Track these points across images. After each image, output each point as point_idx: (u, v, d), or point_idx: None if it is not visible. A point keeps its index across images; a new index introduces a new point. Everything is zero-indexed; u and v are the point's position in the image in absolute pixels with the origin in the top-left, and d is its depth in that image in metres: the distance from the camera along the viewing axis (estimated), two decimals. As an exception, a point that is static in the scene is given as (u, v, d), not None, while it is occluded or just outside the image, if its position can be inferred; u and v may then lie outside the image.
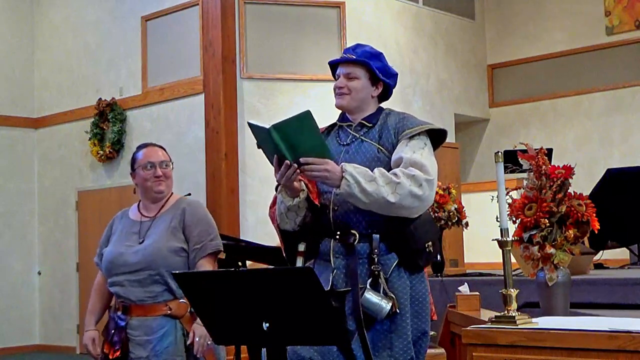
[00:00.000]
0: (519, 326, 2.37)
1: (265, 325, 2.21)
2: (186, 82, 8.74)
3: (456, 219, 5.14)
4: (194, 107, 8.59)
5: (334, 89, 2.93)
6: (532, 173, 2.91)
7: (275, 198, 2.92)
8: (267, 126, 2.58)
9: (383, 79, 2.93)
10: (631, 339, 2.15)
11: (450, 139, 9.92)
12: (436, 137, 2.87)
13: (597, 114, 10.11)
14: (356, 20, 9.04)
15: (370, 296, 2.69)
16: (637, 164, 8.41)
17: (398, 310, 2.73)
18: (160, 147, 3.49)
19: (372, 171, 2.70)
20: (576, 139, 10.20)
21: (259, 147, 2.72)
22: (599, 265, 5.62)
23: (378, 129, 2.87)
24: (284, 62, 8.42)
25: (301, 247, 2.86)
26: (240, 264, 3.78)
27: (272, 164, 2.75)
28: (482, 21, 11.09)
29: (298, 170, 2.66)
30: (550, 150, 4.16)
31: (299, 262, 2.84)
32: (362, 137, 2.87)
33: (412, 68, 9.80)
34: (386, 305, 2.69)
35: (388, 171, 2.72)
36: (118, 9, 9.64)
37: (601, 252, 5.57)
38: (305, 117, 2.57)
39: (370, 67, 2.89)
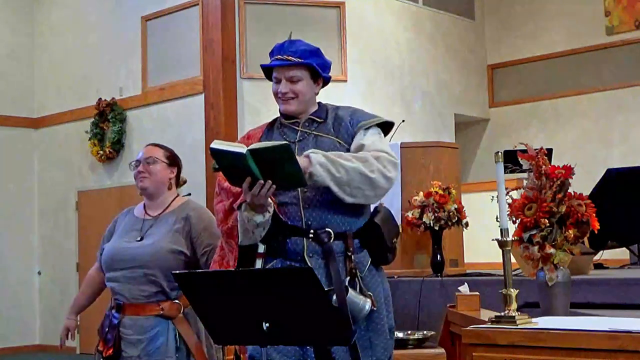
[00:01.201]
0: (519, 326, 2.37)
1: (265, 325, 2.21)
2: (186, 82, 8.74)
3: (456, 219, 5.14)
4: (194, 107, 8.59)
5: (276, 94, 2.87)
6: (532, 173, 2.91)
7: (224, 213, 2.84)
8: (242, 151, 2.51)
9: (324, 75, 2.88)
10: (631, 339, 2.15)
11: (450, 138, 9.94)
12: (385, 129, 2.90)
13: (597, 114, 10.11)
14: (356, 20, 9.04)
15: (353, 296, 2.65)
16: (637, 164, 8.40)
17: (375, 309, 2.72)
18: (159, 146, 3.49)
19: None
20: (576, 139, 10.20)
21: (216, 170, 2.64)
22: (599, 265, 5.61)
23: (332, 123, 2.85)
24: (284, 62, 8.40)
25: (261, 249, 2.76)
26: (240, 264, 3.78)
27: (233, 184, 2.69)
28: (482, 21, 11.09)
29: (274, 186, 2.58)
30: (550, 150, 4.16)
31: (259, 264, 2.76)
32: (315, 132, 2.83)
33: (412, 68, 9.80)
34: (366, 304, 2.67)
35: None
36: (118, 9, 9.64)
37: (601, 252, 5.56)
38: (285, 149, 2.52)
39: (313, 66, 2.83)
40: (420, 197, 5.16)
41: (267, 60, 2.94)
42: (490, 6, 11.11)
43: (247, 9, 8.52)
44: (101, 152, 9.50)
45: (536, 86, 10.66)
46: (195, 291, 2.34)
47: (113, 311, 3.30)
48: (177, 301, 3.24)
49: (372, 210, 2.90)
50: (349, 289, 2.66)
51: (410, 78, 9.76)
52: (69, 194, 10.16)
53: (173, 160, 3.47)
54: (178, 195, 3.46)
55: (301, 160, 2.62)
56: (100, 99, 9.58)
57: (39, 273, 10.48)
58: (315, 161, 2.62)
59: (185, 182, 3.54)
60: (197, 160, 8.26)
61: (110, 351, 3.23)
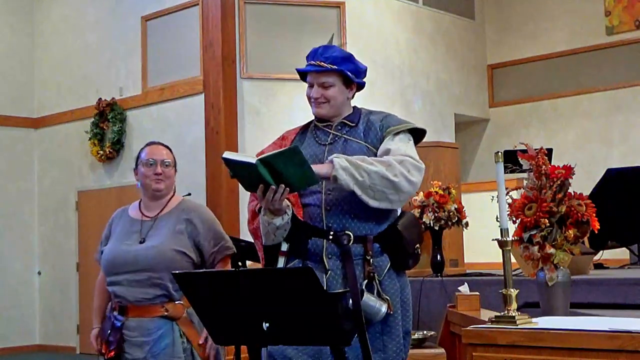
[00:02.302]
0: (519, 326, 2.37)
1: (265, 325, 2.21)
2: (186, 82, 8.74)
3: (456, 219, 5.14)
4: (194, 107, 8.59)
5: (309, 98, 2.91)
6: (532, 173, 2.91)
7: (252, 214, 2.90)
8: (253, 160, 2.56)
9: (357, 81, 2.92)
10: (631, 339, 2.15)
11: (450, 138, 9.93)
12: (417, 136, 2.93)
13: (597, 114, 10.11)
14: (356, 20, 9.04)
15: (369, 299, 2.68)
16: (637, 164, 8.40)
17: (391, 312, 2.74)
18: (166, 147, 3.48)
19: None
20: (576, 139, 10.20)
21: (233, 177, 2.68)
22: (599, 265, 5.62)
23: (363, 128, 2.88)
24: (284, 62, 8.41)
25: (284, 247, 2.81)
26: (240, 264, 3.77)
27: (248, 190, 2.73)
28: (482, 21, 11.09)
29: (287, 190, 2.62)
30: (550, 150, 4.16)
31: (281, 262, 2.80)
32: (346, 136, 2.87)
33: (412, 68, 9.80)
34: (382, 308, 2.69)
35: None
36: (118, 9, 9.64)
37: (601, 252, 5.57)
38: (294, 153, 2.56)
39: (345, 73, 2.86)
40: (420, 197, 5.17)
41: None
42: (490, 6, 11.11)
43: (247, 9, 8.52)
44: (101, 152, 9.50)
45: (536, 86, 10.66)
46: (195, 291, 2.34)
47: (115, 313, 3.27)
48: (180, 302, 3.23)
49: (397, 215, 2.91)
50: (365, 292, 2.69)
51: (410, 78, 9.76)
52: (69, 194, 10.16)
53: (175, 162, 3.48)
54: (173, 194, 3.45)
55: (325, 165, 2.67)
56: (100, 99, 9.58)
57: (39, 273, 10.47)
58: (338, 165, 2.66)
59: None
60: (197, 160, 8.26)
61: (112, 353, 3.22)
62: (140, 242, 3.28)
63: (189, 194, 3.55)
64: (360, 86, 2.96)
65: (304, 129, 3.00)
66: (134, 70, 9.39)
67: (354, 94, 2.96)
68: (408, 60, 9.77)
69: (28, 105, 10.65)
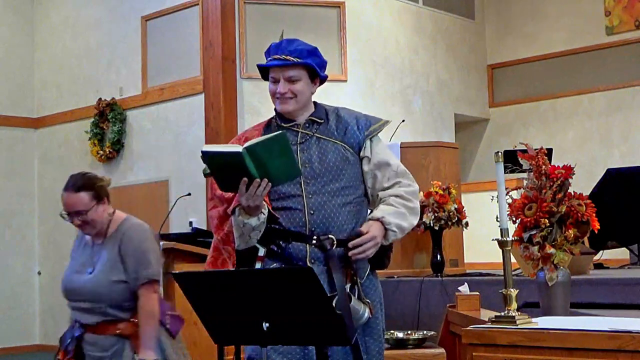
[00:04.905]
0: (519, 326, 2.37)
1: (265, 325, 2.21)
2: (186, 82, 8.73)
3: (456, 219, 5.14)
4: (194, 107, 8.58)
5: (273, 94, 2.83)
6: (532, 173, 2.91)
7: (220, 219, 2.82)
8: (239, 149, 2.48)
9: (323, 75, 2.85)
10: (631, 339, 2.15)
11: (450, 138, 9.93)
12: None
13: (597, 114, 10.11)
14: (356, 20, 9.04)
15: (355, 303, 2.66)
16: (637, 164, 8.40)
17: (371, 315, 2.73)
18: (77, 188, 3.43)
19: (381, 197, 2.79)
20: (576, 139, 10.20)
21: (207, 175, 2.61)
22: (599, 265, 5.62)
23: (334, 125, 2.83)
24: (284, 62, 8.40)
25: (261, 252, 2.74)
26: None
27: (223, 189, 2.67)
28: (482, 21, 11.09)
29: (270, 185, 2.57)
30: (550, 150, 4.16)
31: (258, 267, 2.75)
32: (317, 135, 2.81)
33: (412, 68, 9.80)
34: (365, 312, 2.68)
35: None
36: (118, 9, 9.64)
37: (601, 252, 5.57)
38: (281, 139, 2.50)
39: (312, 66, 2.79)
40: (420, 197, 5.16)
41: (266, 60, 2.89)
42: (490, 6, 11.11)
43: (247, 9, 8.52)
44: (101, 152, 9.50)
45: (536, 86, 10.66)
46: (195, 291, 2.34)
47: (77, 324, 3.43)
48: (132, 319, 3.35)
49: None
50: (351, 296, 2.67)
51: (410, 78, 9.76)
52: (69, 194, 10.14)
53: (97, 194, 3.44)
54: (114, 211, 3.47)
55: (376, 228, 2.71)
56: (100, 99, 9.58)
57: (39, 273, 10.47)
58: (392, 240, 2.75)
59: (109, 181, 3.53)
60: (197, 160, 8.23)
61: None
62: (90, 271, 3.40)
63: (189, 194, 3.55)
64: (323, 81, 2.87)
65: (266, 128, 2.92)
66: (134, 70, 9.39)
67: (316, 89, 2.88)
68: (408, 60, 9.77)
69: (28, 105, 10.64)
